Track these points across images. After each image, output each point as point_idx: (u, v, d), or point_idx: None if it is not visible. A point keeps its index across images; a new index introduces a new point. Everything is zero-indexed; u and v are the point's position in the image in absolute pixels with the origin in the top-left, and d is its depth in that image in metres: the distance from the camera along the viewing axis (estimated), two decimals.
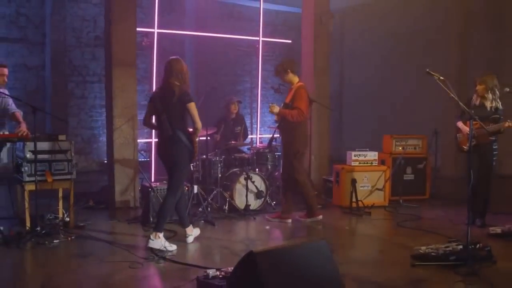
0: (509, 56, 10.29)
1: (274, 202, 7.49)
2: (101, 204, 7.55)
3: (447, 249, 4.76)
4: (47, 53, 11.44)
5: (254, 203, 7.15)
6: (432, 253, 4.74)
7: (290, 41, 11.95)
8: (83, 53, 11.87)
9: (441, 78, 5.07)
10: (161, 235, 5.27)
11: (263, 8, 10.10)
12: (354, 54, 14.55)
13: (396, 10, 12.77)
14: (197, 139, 5.53)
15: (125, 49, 7.40)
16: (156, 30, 8.46)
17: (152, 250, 5.18)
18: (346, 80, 14.88)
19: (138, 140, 7.83)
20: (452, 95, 4.96)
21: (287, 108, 6.55)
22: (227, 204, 7.08)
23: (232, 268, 3.83)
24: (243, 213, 6.94)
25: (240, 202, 7.02)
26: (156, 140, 5.75)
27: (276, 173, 7.85)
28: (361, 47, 14.19)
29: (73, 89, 11.77)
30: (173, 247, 5.31)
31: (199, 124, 5.35)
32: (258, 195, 7.18)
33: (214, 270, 4.16)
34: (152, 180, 8.09)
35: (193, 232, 5.68)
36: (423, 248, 4.85)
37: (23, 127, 5.70)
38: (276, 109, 6.49)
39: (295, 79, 6.72)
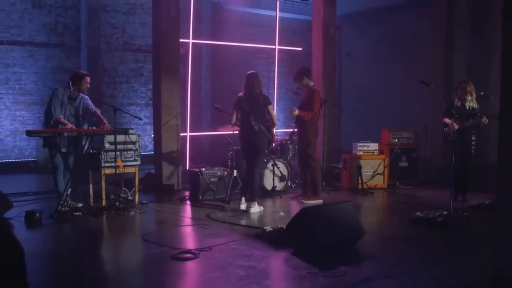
0: (489, 61, 11.89)
1: (294, 185, 9.10)
2: (149, 188, 9.08)
3: (436, 214, 6.41)
4: (82, 57, 12.92)
5: (279, 185, 8.73)
6: (425, 217, 6.39)
7: (300, 49, 13.39)
8: (113, 57, 13.37)
9: (431, 86, 6.70)
10: (256, 203, 7.24)
11: (267, 15, 11.55)
12: (350, 57, 16.19)
13: (389, 17, 14.37)
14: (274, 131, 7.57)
15: (171, 57, 8.94)
16: (191, 41, 9.99)
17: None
18: (343, 81, 16.51)
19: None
20: (439, 99, 6.60)
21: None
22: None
23: (280, 226, 5.54)
24: (270, 193, 8.53)
25: (268, 184, 8.60)
26: (242, 133, 7.46)
27: (292, 162, 9.41)
28: (357, 51, 15.82)
29: (105, 89, 13.28)
30: (261, 208, 7.36)
31: (275, 120, 7.42)
32: (282, 178, 8.78)
33: (269, 227, 5.80)
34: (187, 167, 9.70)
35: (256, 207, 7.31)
36: (418, 213, 6.51)
37: (107, 123, 7.24)
38: (296, 112, 8.01)
39: (311, 83, 8.27)
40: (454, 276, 4.42)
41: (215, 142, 13.14)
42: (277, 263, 4.95)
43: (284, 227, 5.68)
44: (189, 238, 5.96)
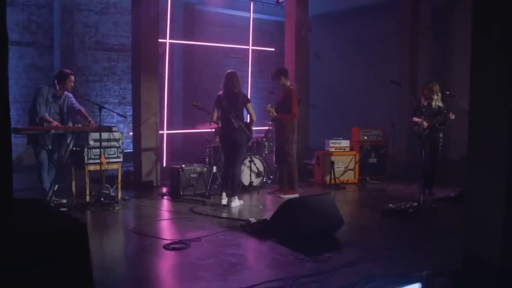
0: (451, 61, 12.52)
1: (270, 180, 9.46)
2: (127, 184, 9.27)
3: (407, 205, 6.86)
4: (55, 56, 12.98)
5: (256, 181, 9.08)
6: (397, 208, 6.84)
7: (273, 49, 13.76)
8: (86, 55, 13.48)
9: (402, 86, 7.16)
10: (236, 197, 7.56)
11: (238, 15, 11.90)
12: (318, 58, 16.64)
13: (356, 19, 14.87)
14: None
15: (150, 57, 9.17)
16: (168, 41, 10.24)
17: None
18: (311, 81, 16.93)
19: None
20: (410, 98, 7.06)
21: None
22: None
23: (264, 217, 5.91)
24: (247, 188, 8.87)
25: (245, 180, 8.93)
26: (222, 130, 7.76)
27: (267, 158, 9.77)
28: (325, 51, 16.28)
29: (78, 87, 13.35)
30: (241, 202, 7.71)
31: (254, 117, 7.72)
32: (258, 174, 9.12)
33: (253, 219, 6.15)
34: (164, 164, 9.97)
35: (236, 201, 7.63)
36: (390, 205, 6.96)
37: (92, 121, 7.44)
38: (273, 114, 8.34)
39: (288, 83, 8.65)
40: (429, 259, 4.85)
41: (187, 139, 13.39)
42: (264, 250, 5.29)
43: (268, 218, 6.04)
44: (177, 230, 6.23)
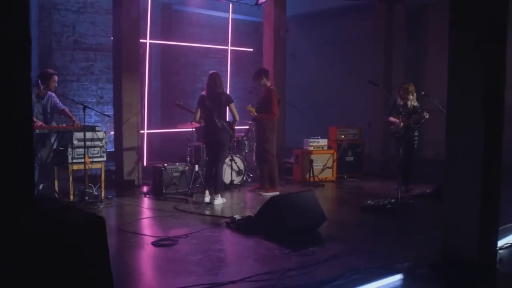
0: (424, 62, 12.88)
1: (250, 179, 9.64)
2: (109, 184, 9.34)
3: (385, 201, 7.11)
4: (33, 55, 12.88)
5: (237, 179, 9.24)
6: (375, 205, 7.09)
7: (251, 50, 13.93)
8: (64, 55, 13.46)
9: (380, 86, 7.41)
10: (219, 195, 7.72)
11: (215, 15, 12.01)
12: (294, 58, 16.85)
13: (332, 20, 15.14)
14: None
15: (132, 58, 9.25)
16: (148, 41, 10.33)
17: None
18: (287, 80, 17.14)
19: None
20: (387, 98, 7.31)
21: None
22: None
23: (248, 214, 6.10)
24: (229, 187, 9.03)
25: (226, 178, 9.08)
26: (205, 129, 7.90)
27: (247, 157, 9.95)
28: (301, 51, 16.51)
29: (55, 87, 13.31)
30: (224, 200, 7.83)
31: (237, 117, 7.84)
32: (239, 173, 9.29)
33: (238, 215, 6.32)
34: (145, 163, 10.08)
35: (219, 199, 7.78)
36: (369, 201, 7.20)
37: (76, 120, 7.51)
38: (254, 113, 8.52)
39: (268, 83, 8.84)
40: (409, 252, 5.08)
41: (166, 139, 13.49)
42: (251, 246, 5.46)
43: (252, 215, 6.22)
44: (163, 227, 6.35)
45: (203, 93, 7.88)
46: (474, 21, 4.36)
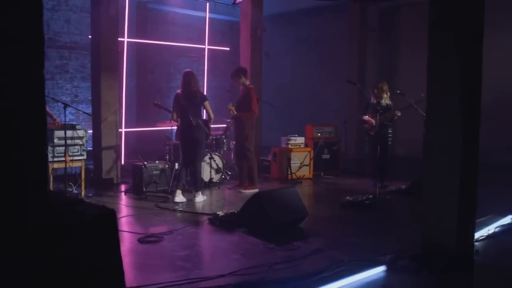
0: (397, 62, 13.17)
1: (229, 176, 9.74)
2: (87, 182, 9.33)
3: (364, 197, 7.30)
4: None
5: (216, 177, 9.33)
6: (354, 201, 7.27)
7: (228, 49, 14.02)
8: None
9: (358, 85, 7.59)
10: (200, 192, 7.77)
11: (190, 14, 12.03)
12: (269, 57, 16.97)
13: (307, 20, 15.33)
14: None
15: (110, 56, 9.26)
16: (126, 40, 10.33)
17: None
18: (263, 79, 17.29)
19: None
20: (365, 96, 7.50)
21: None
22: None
23: (231, 211, 6.24)
24: (208, 184, 9.11)
25: (205, 176, 9.16)
26: (181, 128, 7.99)
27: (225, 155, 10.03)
28: (276, 50, 16.65)
29: None
30: (205, 198, 7.89)
31: (212, 115, 7.89)
32: (218, 170, 9.38)
33: (221, 212, 6.42)
34: (123, 161, 10.09)
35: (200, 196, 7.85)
36: (348, 198, 7.38)
37: (58, 119, 7.50)
38: (234, 112, 8.62)
39: (247, 82, 8.96)
40: (390, 245, 5.26)
41: (142, 137, 13.48)
42: (236, 241, 5.57)
43: (235, 212, 6.33)
44: (147, 225, 6.40)
45: (178, 91, 7.93)
46: (453, 21, 4.55)
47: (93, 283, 2.25)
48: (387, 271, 4.50)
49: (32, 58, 2.11)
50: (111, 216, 2.41)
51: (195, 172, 7.86)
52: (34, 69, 2.11)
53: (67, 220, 2.15)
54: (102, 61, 9.18)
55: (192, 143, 7.87)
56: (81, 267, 2.17)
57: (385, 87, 8.84)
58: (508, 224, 6.20)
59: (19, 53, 2.07)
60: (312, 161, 10.26)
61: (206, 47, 12.34)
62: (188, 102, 7.75)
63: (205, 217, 6.59)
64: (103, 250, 2.32)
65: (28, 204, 2.07)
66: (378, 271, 4.47)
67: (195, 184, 7.86)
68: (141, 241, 5.52)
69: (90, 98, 11.49)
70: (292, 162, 9.90)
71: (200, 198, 7.81)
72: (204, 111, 8.07)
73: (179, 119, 7.98)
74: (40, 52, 2.14)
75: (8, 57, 2.06)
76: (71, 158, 7.77)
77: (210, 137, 8.86)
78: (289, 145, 10.17)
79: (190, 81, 7.80)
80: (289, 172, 9.70)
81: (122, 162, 10.59)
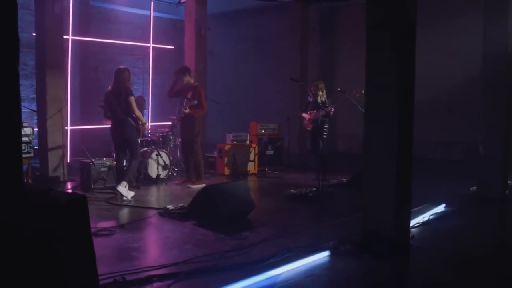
0: (336, 60, 13.66)
1: (175, 173, 9.92)
2: (33, 180, 9.29)
3: (307, 190, 7.67)
4: None
5: (163, 173, 9.48)
6: (298, 193, 7.63)
7: (173, 47, 14.12)
8: None
9: (301, 83, 7.94)
10: (126, 184, 7.63)
11: (132, 12, 12.04)
12: (212, 55, 17.18)
13: (249, 18, 15.62)
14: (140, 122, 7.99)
15: (56, 53, 9.23)
16: (70, 37, 10.31)
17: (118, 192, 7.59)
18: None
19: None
20: (309, 94, 7.86)
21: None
22: (142, 174, 9.31)
23: (181, 204, 6.45)
24: (155, 181, 9.26)
25: (153, 173, 9.30)
26: (111, 126, 7.98)
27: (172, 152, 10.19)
28: (219, 49, 16.86)
29: None
30: (131, 194, 7.68)
31: (136, 112, 7.80)
32: (165, 167, 9.54)
33: (171, 206, 6.62)
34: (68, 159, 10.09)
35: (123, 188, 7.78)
36: (292, 191, 7.74)
37: None
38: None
39: (191, 80, 9.17)
40: (333, 232, 5.62)
41: (86, 135, 13.40)
42: (187, 233, 5.79)
43: (184, 205, 6.55)
44: (98, 219, 6.49)
45: (109, 88, 8.04)
46: (389, 22, 4.93)
47: (70, 263, 2.43)
48: (330, 255, 4.84)
49: (6, 56, 2.26)
50: (83, 201, 2.59)
51: (129, 167, 7.88)
52: (9, 66, 2.26)
53: (46, 204, 2.32)
54: (48, 58, 9.14)
55: (123, 141, 7.91)
56: (60, 247, 2.34)
57: (321, 85, 9.22)
58: (441, 212, 6.74)
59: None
60: (257, 157, 10.57)
61: (151, 45, 12.42)
62: (115, 99, 7.78)
63: (155, 211, 6.75)
64: (78, 232, 2.50)
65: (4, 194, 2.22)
66: (322, 256, 4.81)
67: (123, 174, 7.81)
68: (94, 234, 5.60)
69: (32, 96, 11.42)
70: (237, 158, 10.17)
71: (123, 189, 7.58)
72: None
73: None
74: (15, 50, 2.29)
75: None
76: None
77: (144, 132, 8.97)
78: (234, 142, 10.44)
79: (118, 77, 7.80)
80: (234, 168, 9.97)
81: (68, 160, 10.57)
